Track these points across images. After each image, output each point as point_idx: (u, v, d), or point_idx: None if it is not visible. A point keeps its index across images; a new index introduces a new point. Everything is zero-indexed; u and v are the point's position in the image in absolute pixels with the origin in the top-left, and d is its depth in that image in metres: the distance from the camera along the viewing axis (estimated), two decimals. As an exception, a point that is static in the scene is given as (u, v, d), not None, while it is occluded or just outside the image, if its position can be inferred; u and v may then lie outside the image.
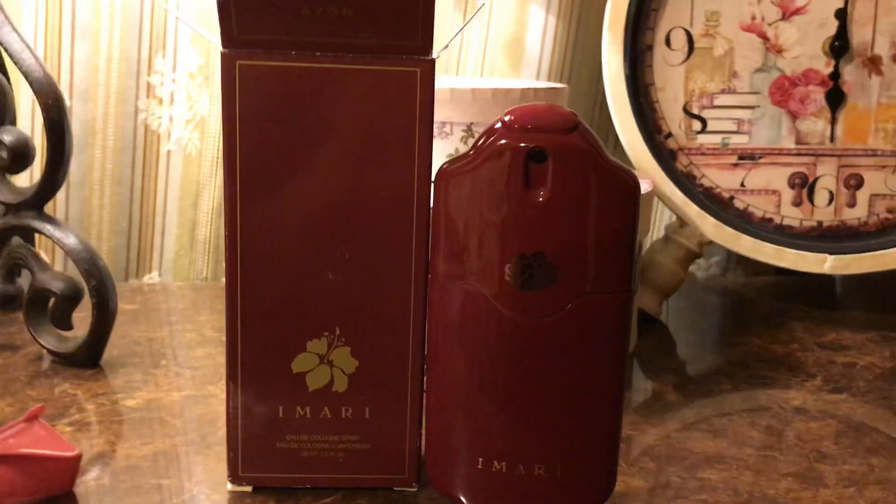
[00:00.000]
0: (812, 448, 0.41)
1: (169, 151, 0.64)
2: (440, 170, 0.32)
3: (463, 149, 0.48)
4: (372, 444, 0.34)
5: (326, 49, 0.31)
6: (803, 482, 0.37)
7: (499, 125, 0.31)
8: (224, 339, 0.51)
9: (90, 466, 0.36)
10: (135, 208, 0.64)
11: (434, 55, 0.32)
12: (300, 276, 0.33)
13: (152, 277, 0.66)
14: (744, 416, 0.44)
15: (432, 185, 0.32)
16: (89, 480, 0.35)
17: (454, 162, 0.31)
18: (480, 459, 0.32)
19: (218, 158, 0.63)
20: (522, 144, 0.30)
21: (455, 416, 0.33)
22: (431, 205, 0.32)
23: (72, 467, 0.34)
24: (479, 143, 0.31)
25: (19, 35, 0.44)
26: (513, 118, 0.30)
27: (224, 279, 0.65)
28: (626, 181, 0.30)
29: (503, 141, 0.30)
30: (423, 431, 0.34)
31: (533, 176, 0.30)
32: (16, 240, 0.48)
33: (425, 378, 0.34)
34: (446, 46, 0.36)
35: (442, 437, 0.33)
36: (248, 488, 0.35)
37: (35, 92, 0.44)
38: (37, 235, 0.52)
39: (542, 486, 0.32)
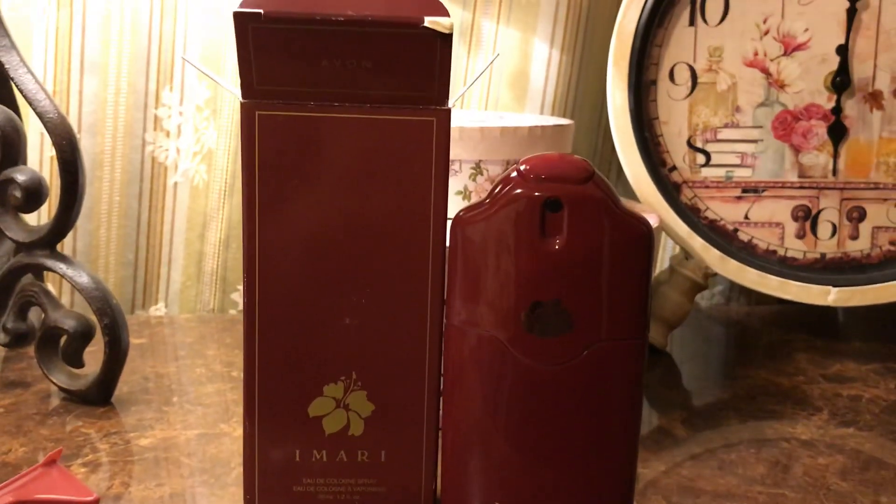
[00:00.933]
0: (821, 485, 0.41)
1: (176, 183, 0.64)
2: (456, 217, 0.32)
3: (472, 186, 0.48)
4: (388, 487, 0.35)
5: (344, 99, 0.32)
6: (814, 521, 0.38)
7: (514, 174, 0.31)
8: (233, 374, 0.52)
9: (106, 509, 0.36)
10: (141, 240, 0.65)
11: (449, 105, 0.33)
12: (317, 321, 0.33)
13: (158, 309, 0.66)
14: (752, 450, 0.44)
15: (448, 232, 0.33)
16: (106, 524, 0.35)
17: (470, 209, 0.32)
18: (497, 503, 0.33)
19: (225, 191, 0.64)
20: (538, 194, 0.31)
21: (471, 459, 0.33)
22: (447, 251, 0.33)
23: (90, 512, 0.34)
24: (495, 191, 0.31)
25: (34, 76, 0.45)
26: (528, 167, 0.31)
27: (231, 311, 0.65)
28: (640, 229, 0.31)
29: (519, 190, 0.31)
30: (439, 474, 0.35)
31: (548, 224, 0.31)
32: (27, 277, 0.48)
33: (441, 422, 0.34)
34: (460, 97, 0.36)
35: (458, 481, 0.33)
36: (265, 531, 0.35)
37: (49, 133, 0.44)
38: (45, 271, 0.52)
39: (558, 529, 0.32)
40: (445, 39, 0.31)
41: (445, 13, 0.31)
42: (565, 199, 0.30)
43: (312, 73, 0.31)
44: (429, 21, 0.31)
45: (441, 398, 0.34)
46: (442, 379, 0.34)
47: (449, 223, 0.33)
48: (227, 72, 0.63)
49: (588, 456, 0.32)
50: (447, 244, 0.33)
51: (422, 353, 0.34)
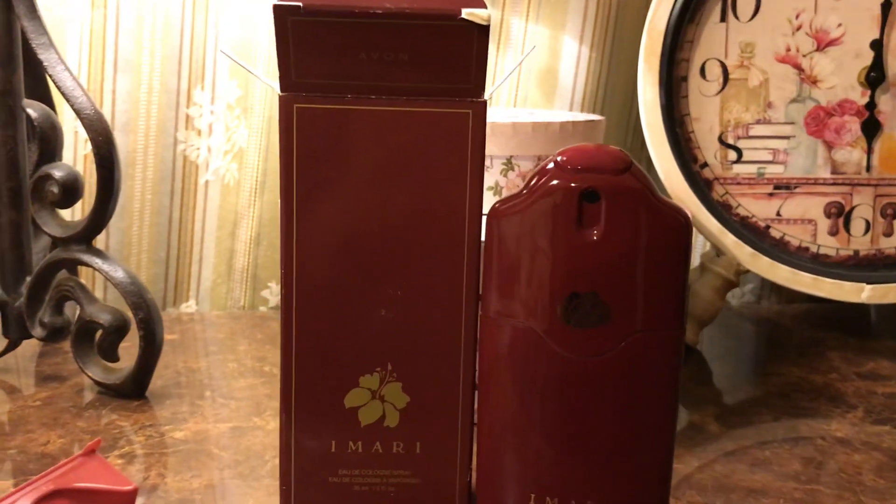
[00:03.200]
0: (857, 481, 0.40)
1: (207, 182, 0.65)
2: (492, 208, 0.32)
3: (503, 181, 0.48)
4: (423, 478, 0.35)
5: (381, 92, 0.32)
6: (852, 517, 0.37)
7: (551, 165, 0.31)
8: (265, 369, 0.52)
9: (144, 499, 0.37)
10: (173, 238, 0.65)
11: (485, 97, 0.33)
12: (353, 313, 0.34)
13: (189, 306, 0.66)
14: (786, 447, 0.44)
15: (484, 223, 0.33)
16: (144, 514, 0.36)
17: (507, 201, 0.32)
18: (532, 495, 0.33)
19: (256, 189, 0.64)
20: (575, 184, 0.30)
21: (506, 451, 0.33)
22: (483, 242, 0.33)
23: (128, 501, 0.34)
24: (532, 182, 0.31)
25: (71, 74, 0.45)
26: (565, 158, 0.31)
27: (262, 308, 0.66)
28: (677, 220, 0.31)
29: (556, 181, 0.31)
30: (474, 466, 0.35)
31: (586, 215, 0.31)
32: (62, 272, 0.49)
33: (476, 413, 0.34)
34: (497, 87, 0.36)
35: (493, 472, 0.33)
36: (301, 522, 0.35)
37: (86, 129, 0.45)
38: (78, 266, 0.53)
39: (594, 522, 0.32)
40: (482, 31, 0.31)
41: (483, 5, 0.31)
42: (603, 190, 0.30)
43: (350, 66, 0.32)
44: (466, 13, 0.31)
45: (476, 390, 0.34)
46: (477, 371, 0.34)
47: (483, 217, 0.33)
48: (258, 70, 0.63)
49: (624, 449, 0.32)
50: (483, 236, 0.33)
51: (457, 345, 0.34)
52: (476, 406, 0.34)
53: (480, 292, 0.33)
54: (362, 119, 0.32)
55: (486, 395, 0.33)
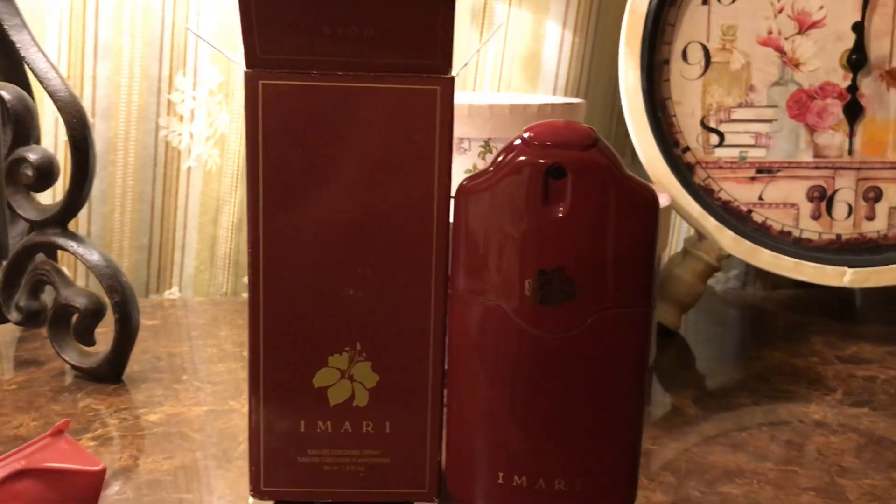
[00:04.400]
0: (833, 462, 0.40)
1: (189, 168, 0.65)
2: (460, 186, 0.32)
3: (481, 164, 0.48)
4: (392, 458, 0.35)
5: (347, 68, 0.32)
6: (825, 497, 0.37)
7: (518, 142, 0.31)
8: (245, 354, 0.52)
9: (113, 480, 0.37)
10: (155, 224, 0.65)
11: (453, 73, 0.32)
12: (322, 292, 0.33)
13: (172, 293, 0.66)
14: (764, 429, 0.44)
15: (452, 201, 0.32)
16: (112, 494, 0.36)
17: (474, 178, 0.32)
18: (501, 474, 0.32)
19: (238, 175, 0.64)
20: (542, 161, 0.30)
21: (475, 430, 0.33)
22: (451, 220, 0.33)
23: (96, 482, 0.34)
24: (499, 159, 0.31)
25: (45, 55, 0.45)
26: (532, 135, 0.31)
27: (244, 294, 0.66)
28: (644, 196, 0.30)
29: (522, 157, 0.30)
30: (444, 446, 0.34)
31: (552, 192, 0.30)
32: (39, 256, 0.49)
33: (446, 392, 0.34)
34: (465, 65, 0.36)
35: (462, 452, 0.33)
36: (270, 502, 0.35)
37: (60, 111, 0.44)
38: (59, 252, 0.53)
39: (562, 500, 0.32)
40: (448, 6, 0.31)
41: (448, -21, 0.31)
42: (569, 166, 0.30)
43: (315, 42, 0.31)
44: (431, -13, 0.30)
45: (446, 369, 0.34)
46: (446, 349, 0.34)
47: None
48: (238, 58, 0.63)
49: (592, 427, 0.32)
50: (451, 214, 0.33)
51: (426, 324, 0.34)
52: (446, 385, 0.34)
53: (449, 271, 0.33)
54: (328, 96, 0.32)
55: (455, 373, 0.33)
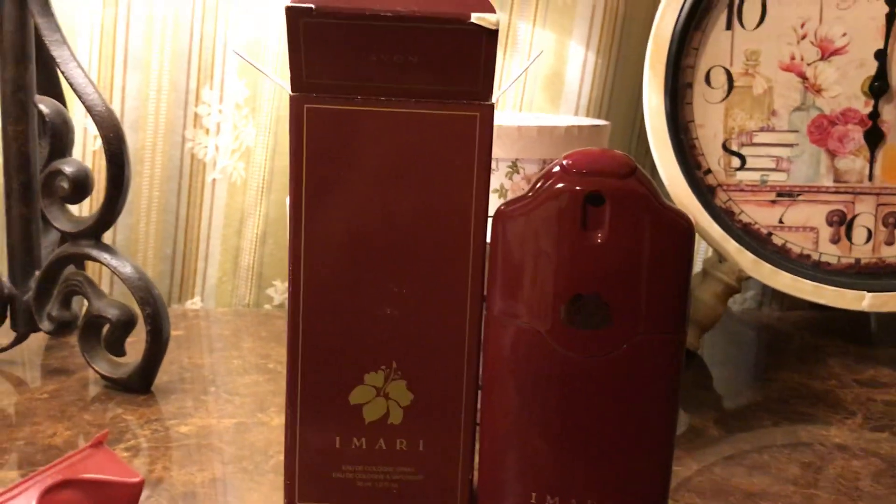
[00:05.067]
0: (855, 487, 0.41)
1: (214, 180, 0.65)
2: (498, 210, 0.33)
3: (508, 184, 0.49)
4: (425, 475, 0.35)
5: (390, 94, 0.33)
6: (848, 521, 0.38)
7: (557, 168, 0.32)
8: (269, 366, 0.52)
9: (149, 492, 0.37)
10: (179, 235, 0.66)
11: (492, 100, 0.33)
12: (359, 311, 0.34)
13: (194, 303, 0.67)
14: (785, 452, 0.44)
15: (489, 223, 0.33)
16: (149, 506, 0.36)
17: (512, 203, 0.32)
18: (534, 493, 0.33)
19: (263, 188, 0.65)
20: (580, 188, 0.31)
21: (508, 449, 0.33)
22: (488, 243, 0.33)
23: (135, 493, 0.35)
24: (538, 185, 0.32)
25: (83, 71, 0.46)
26: (571, 162, 0.31)
27: (267, 306, 0.66)
28: (681, 225, 0.31)
29: (561, 184, 0.31)
30: (477, 464, 0.35)
31: (590, 219, 0.31)
32: (70, 267, 0.49)
33: (479, 412, 0.35)
34: (504, 91, 0.37)
35: (495, 471, 0.34)
36: (304, 517, 0.36)
37: (97, 125, 0.45)
38: (85, 262, 0.53)
39: (593, 521, 0.33)
40: (491, 35, 0.32)
41: (492, 9, 0.32)
42: (608, 194, 0.31)
43: (360, 68, 0.32)
44: (475, 17, 0.31)
45: (479, 389, 0.34)
46: (481, 370, 0.34)
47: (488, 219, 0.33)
48: (268, 70, 0.64)
49: (624, 450, 0.32)
50: (488, 237, 0.33)
51: (461, 344, 0.34)
52: (479, 404, 0.35)
53: (485, 292, 0.34)
54: (371, 120, 0.33)
55: (489, 393, 0.34)
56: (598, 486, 0.33)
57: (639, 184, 0.31)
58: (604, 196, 0.31)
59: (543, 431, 0.33)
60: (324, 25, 0.31)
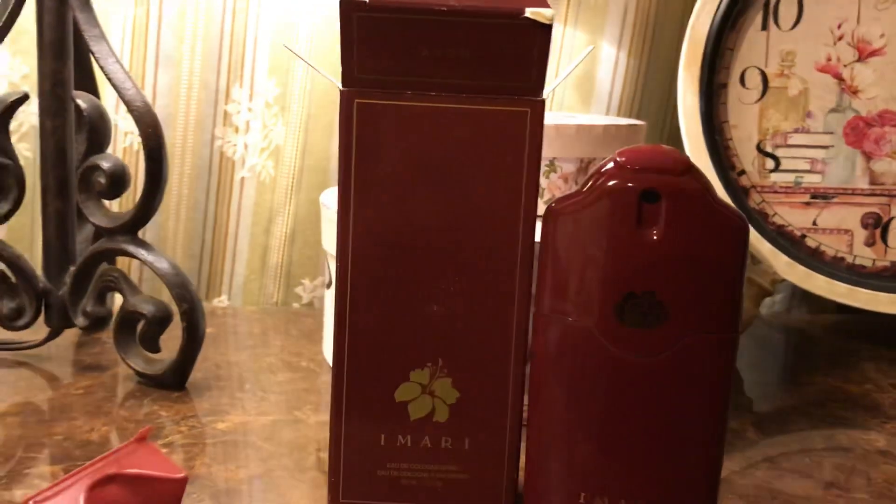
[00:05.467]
0: (899, 491, 0.40)
1: (243, 178, 0.65)
2: (549, 207, 0.32)
3: (545, 183, 0.49)
4: (471, 474, 0.35)
5: (441, 89, 0.32)
6: (896, 526, 0.37)
7: (611, 165, 0.31)
8: (302, 364, 0.52)
9: (191, 488, 0.37)
10: (207, 233, 0.66)
11: (543, 96, 0.33)
12: (406, 308, 0.34)
13: (222, 301, 0.67)
14: (825, 455, 0.44)
15: (539, 221, 0.33)
16: (191, 503, 0.36)
17: (564, 200, 0.32)
18: (582, 494, 0.33)
19: (291, 186, 0.65)
20: (634, 185, 0.31)
21: (556, 449, 0.33)
22: (538, 240, 0.33)
23: (179, 489, 0.35)
24: (591, 182, 0.31)
25: (122, 66, 0.46)
26: (625, 159, 0.31)
27: (295, 304, 0.66)
28: (736, 223, 0.31)
29: (616, 181, 0.31)
30: (523, 463, 0.35)
31: (645, 216, 0.31)
32: (106, 263, 0.49)
33: (526, 410, 0.34)
34: (554, 87, 0.36)
35: (541, 471, 0.34)
36: (348, 515, 0.35)
37: (136, 121, 0.45)
38: (117, 258, 0.53)
39: (643, 522, 0.32)
40: (545, 30, 0.31)
41: (546, 4, 0.31)
42: (663, 191, 0.30)
43: (412, 62, 0.32)
44: (530, 12, 0.31)
45: (527, 387, 0.34)
46: (528, 368, 0.34)
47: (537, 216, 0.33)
48: (296, 71, 0.63)
49: (675, 449, 0.32)
50: (538, 234, 0.33)
51: (508, 342, 0.34)
52: (526, 403, 0.34)
53: (535, 289, 0.33)
54: (421, 115, 0.32)
55: (536, 392, 0.33)
56: (647, 487, 0.32)
57: (694, 181, 0.31)
58: (659, 193, 0.30)
59: (592, 431, 0.32)
60: (377, 19, 0.31)
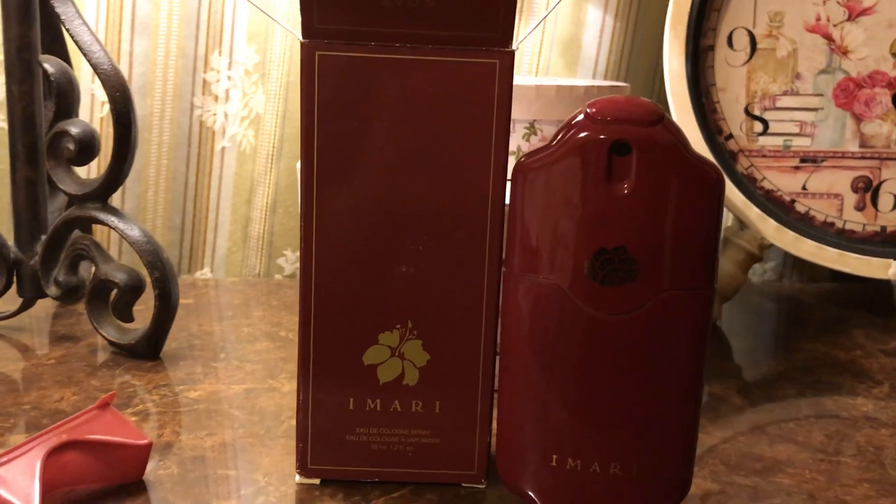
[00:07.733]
0: (884, 455, 0.40)
1: (223, 148, 0.64)
2: (518, 163, 0.31)
3: (525, 146, 0.47)
4: (442, 438, 0.34)
5: (406, 40, 0.31)
6: (879, 487, 0.36)
7: (581, 117, 0.30)
8: (280, 334, 0.51)
9: (157, 455, 0.36)
10: (188, 204, 0.65)
11: (513, 47, 0.32)
12: (374, 269, 0.33)
13: (204, 273, 0.66)
14: (812, 421, 0.43)
15: (509, 177, 0.32)
16: (157, 469, 0.35)
17: (533, 154, 0.31)
18: (554, 456, 0.32)
19: (273, 156, 0.63)
20: (605, 136, 0.30)
21: (528, 412, 0.32)
22: (508, 198, 0.32)
23: (143, 455, 0.34)
24: (560, 135, 0.30)
25: (89, 28, 0.44)
26: (595, 110, 0.30)
27: (277, 276, 0.65)
28: (710, 175, 0.30)
29: (585, 133, 0.30)
30: (495, 427, 0.34)
31: (615, 169, 0.30)
32: (77, 231, 0.48)
33: (497, 373, 0.33)
34: (524, 38, 0.35)
35: (514, 433, 0.33)
36: (317, 481, 0.35)
37: (103, 84, 0.44)
38: (92, 227, 0.52)
39: (617, 484, 0.32)
40: (512, -23, 0.30)
41: (513, -50, 0.30)
42: (634, 143, 0.29)
43: (374, 13, 0.31)
44: (496, -43, 0.30)
45: (498, 349, 0.33)
46: (499, 328, 0.33)
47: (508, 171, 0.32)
48: (275, 38, 0.62)
49: (650, 410, 0.31)
50: (508, 190, 0.32)
51: (479, 303, 0.33)
52: (497, 365, 0.33)
53: (504, 248, 0.32)
54: (386, 68, 0.31)
55: (507, 353, 0.32)
56: (621, 449, 0.31)
57: (667, 132, 0.29)
58: (630, 145, 0.29)
59: (564, 392, 0.31)
60: (337, -33, 0.30)
